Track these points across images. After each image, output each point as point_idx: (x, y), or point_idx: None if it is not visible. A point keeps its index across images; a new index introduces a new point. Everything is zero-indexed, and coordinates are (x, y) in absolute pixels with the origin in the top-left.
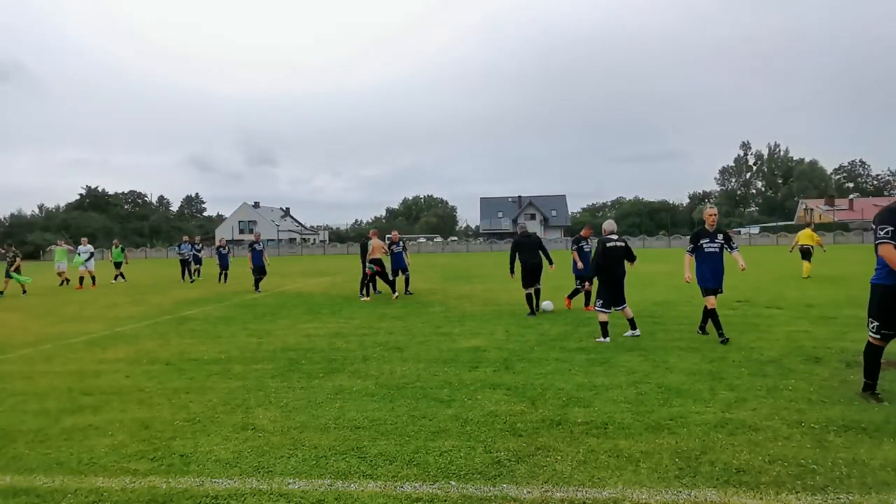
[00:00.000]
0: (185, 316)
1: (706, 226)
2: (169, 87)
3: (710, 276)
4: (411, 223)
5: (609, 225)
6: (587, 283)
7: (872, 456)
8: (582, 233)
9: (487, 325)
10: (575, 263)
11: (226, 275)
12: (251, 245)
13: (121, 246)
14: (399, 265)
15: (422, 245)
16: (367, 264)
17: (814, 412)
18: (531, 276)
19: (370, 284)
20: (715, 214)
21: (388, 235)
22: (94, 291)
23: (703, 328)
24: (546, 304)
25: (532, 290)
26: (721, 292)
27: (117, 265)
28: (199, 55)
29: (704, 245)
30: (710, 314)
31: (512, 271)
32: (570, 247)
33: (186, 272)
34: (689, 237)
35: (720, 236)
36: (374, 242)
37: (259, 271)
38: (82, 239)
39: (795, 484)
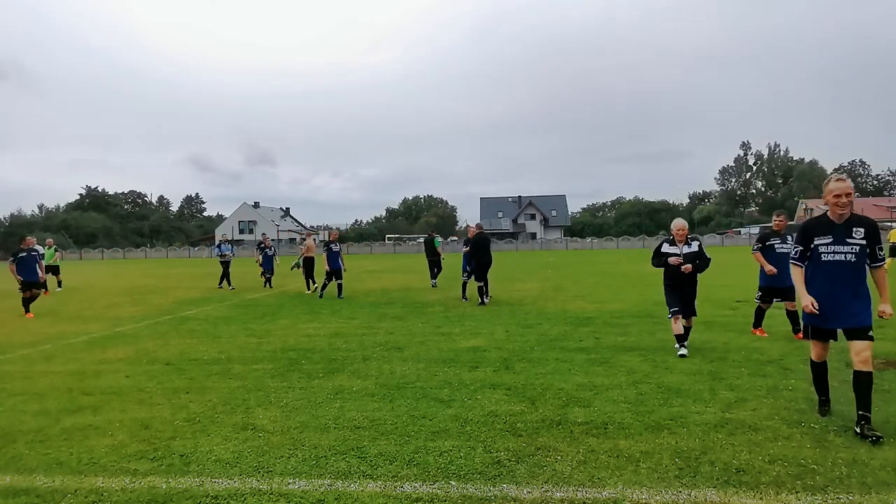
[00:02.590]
0: (185, 316)
1: (830, 214)
2: (168, 86)
3: (827, 303)
4: (411, 223)
5: (683, 222)
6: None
7: (872, 456)
8: (774, 225)
9: (487, 325)
10: (762, 270)
11: (270, 280)
12: (327, 245)
13: (54, 246)
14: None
15: (422, 245)
16: (302, 261)
17: (814, 412)
18: (485, 272)
19: (309, 280)
20: (849, 194)
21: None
22: (60, 296)
23: (823, 404)
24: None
25: (483, 284)
26: (871, 338)
27: (51, 270)
28: (198, 55)
29: (822, 248)
30: (817, 373)
31: (472, 265)
32: (753, 247)
33: (226, 278)
34: (795, 235)
35: (858, 232)
36: (309, 242)
37: (337, 275)
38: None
39: (795, 484)
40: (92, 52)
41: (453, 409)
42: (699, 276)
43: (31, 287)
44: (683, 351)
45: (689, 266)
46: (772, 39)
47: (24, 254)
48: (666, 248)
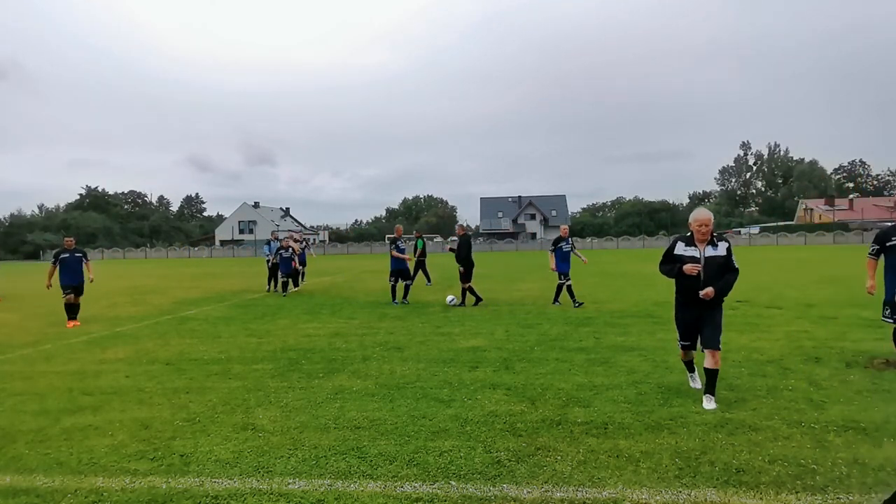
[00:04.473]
0: (185, 316)
1: None
2: (169, 86)
3: None
4: (411, 223)
5: (707, 214)
6: None
7: (872, 456)
8: None
9: (487, 325)
10: (887, 280)
11: (285, 283)
12: (394, 242)
13: None
14: (566, 268)
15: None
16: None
17: (814, 412)
18: (472, 271)
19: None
20: None
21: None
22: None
23: None
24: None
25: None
26: None
27: None
28: (198, 54)
29: None
30: None
31: (470, 267)
32: (870, 248)
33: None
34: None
35: None
36: (289, 244)
37: (404, 275)
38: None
39: (795, 484)
40: (92, 52)
41: (453, 409)
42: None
43: (73, 290)
44: (697, 382)
45: (709, 291)
46: (772, 39)
47: (66, 255)
48: (680, 249)
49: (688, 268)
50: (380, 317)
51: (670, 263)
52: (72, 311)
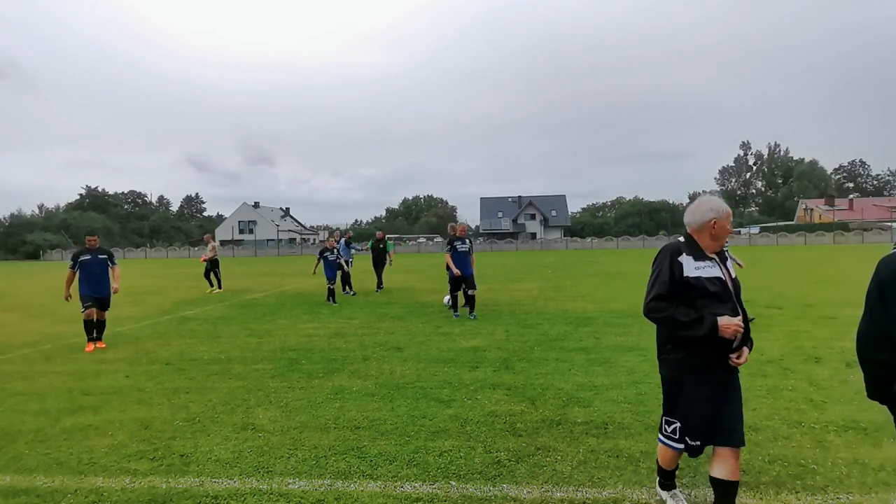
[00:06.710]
0: (185, 316)
1: None
2: (168, 85)
3: None
4: (411, 223)
5: (713, 204)
6: None
7: (872, 456)
8: None
9: (487, 325)
10: None
11: (332, 292)
12: (451, 243)
13: None
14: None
15: (422, 245)
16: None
17: (814, 412)
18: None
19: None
20: None
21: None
22: None
23: None
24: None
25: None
26: None
27: None
28: (198, 54)
29: None
30: None
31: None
32: None
33: (346, 283)
34: None
35: None
36: (211, 244)
37: (467, 282)
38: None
39: (795, 484)
40: (92, 52)
41: (453, 409)
42: None
43: (95, 304)
44: None
45: (744, 355)
46: (772, 39)
47: (87, 257)
48: (690, 267)
49: (730, 329)
50: (380, 317)
51: (684, 301)
52: (93, 328)
